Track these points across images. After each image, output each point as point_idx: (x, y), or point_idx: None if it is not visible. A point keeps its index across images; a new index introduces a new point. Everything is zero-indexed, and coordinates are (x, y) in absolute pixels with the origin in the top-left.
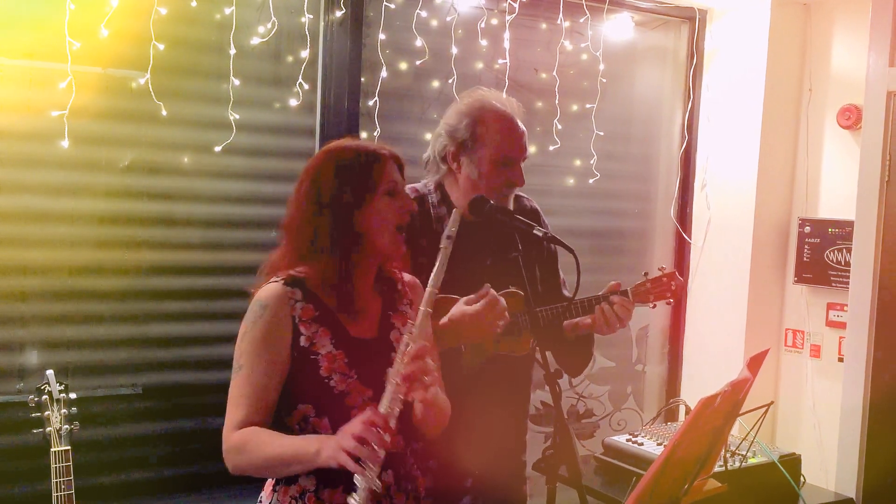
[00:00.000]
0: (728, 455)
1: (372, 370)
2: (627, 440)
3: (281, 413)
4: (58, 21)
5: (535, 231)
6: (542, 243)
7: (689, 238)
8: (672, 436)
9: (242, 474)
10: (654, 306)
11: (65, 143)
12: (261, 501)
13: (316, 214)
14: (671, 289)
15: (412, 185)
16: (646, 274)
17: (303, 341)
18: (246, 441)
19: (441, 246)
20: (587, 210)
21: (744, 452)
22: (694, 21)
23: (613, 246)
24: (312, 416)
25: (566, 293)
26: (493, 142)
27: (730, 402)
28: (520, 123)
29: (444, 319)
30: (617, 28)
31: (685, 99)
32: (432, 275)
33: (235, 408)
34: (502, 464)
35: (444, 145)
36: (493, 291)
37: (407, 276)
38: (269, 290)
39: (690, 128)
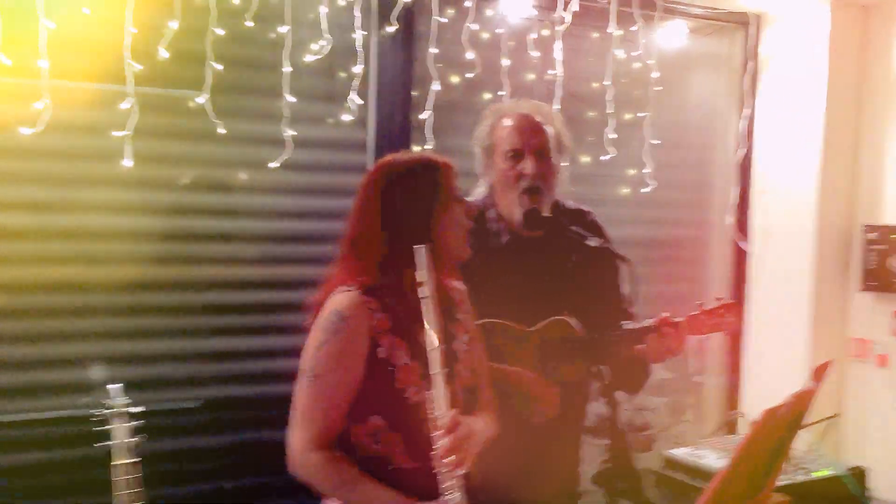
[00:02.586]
0: (792, 468)
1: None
2: (688, 453)
3: (351, 422)
4: (118, 44)
5: (588, 241)
6: (603, 258)
7: (747, 246)
8: (735, 448)
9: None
10: (709, 338)
11: (126, 163)
12: None
13: (386, 226)
14: (725, 321)
15: (469, 200)
16: (700, 304)
17: (380, 353)
18: (328, 472)
19: (421, 297)
20: (642, 219)
21: (808, 465)
22: (748, 26)
23: (669, 255)
24: (385, 430)
25: (630, 310)
26: (501, 138)
27: (794, 414)
28: (534, 118)
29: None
30: (670, 35)
31: (741, 105)
32: (428, 336)
33: (309, 422)
34: (556, 477)
35: (480, 160)
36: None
37: (458, 284)
38: (346, 299)
39: (748, 135)
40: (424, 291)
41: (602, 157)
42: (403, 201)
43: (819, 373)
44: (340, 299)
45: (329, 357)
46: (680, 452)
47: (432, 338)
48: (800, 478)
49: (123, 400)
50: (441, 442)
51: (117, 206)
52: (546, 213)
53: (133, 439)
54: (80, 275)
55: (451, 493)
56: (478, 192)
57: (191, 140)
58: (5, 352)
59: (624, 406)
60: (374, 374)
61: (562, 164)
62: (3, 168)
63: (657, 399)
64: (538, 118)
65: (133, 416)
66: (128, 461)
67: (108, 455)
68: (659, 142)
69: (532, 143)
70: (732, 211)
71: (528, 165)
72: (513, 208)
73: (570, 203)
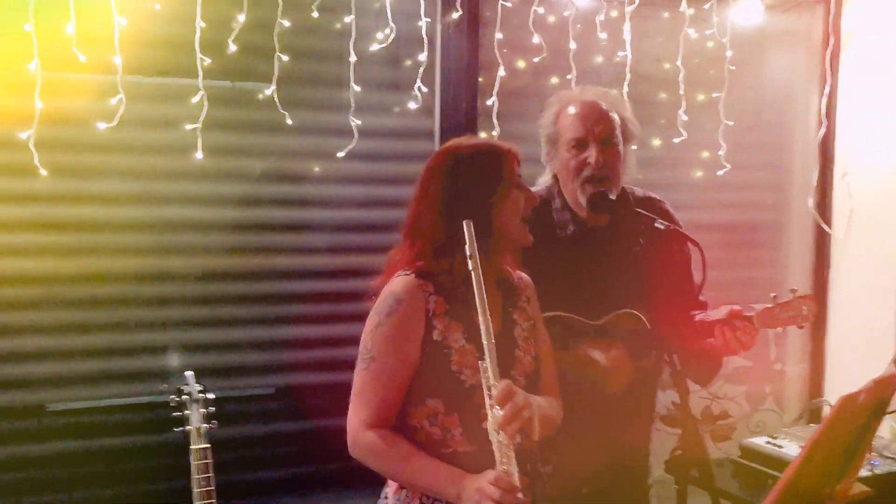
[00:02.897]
0: (876, 458)
1: (498, 365)
2: (767, 442)
3: (407, 405)
4: (189, 39)
5: (657, 224)
6: (672, 242)
7: (830, 229)
8: (811, 436)
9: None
10: (783, 330)
11: (198, 155)
12: (385, 497)
13: (447, 211)
14: (802, 314)
15: (535, 189)
16: (774, 297)
17: (436, 335)
18: (382, 449)
19: (470, 269)
20: (717, 203)
21: (893, 455)
22: (829, 1)
23: (747, 240)
24: (442, 413)
25: (701, 298)
26: (565, 126)
27: (875, 401)
28: (599, 105)
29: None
30: (745, 13)
31: (821, 83)
32: (479, 310)
33: (365, 403)
34: (626, 464)
35: (545, 149)
36: (623, 353)
37: (522, 275)
38: (402, 282)
39: (829, 113)
40: (472, 264)
41: (674, 140)
42: (463, 186)
43: None
44: (397, 283)
45: (385, 339)
46: (758, 441)
47: (482, 309)
48: (884, 468)
49: (198, 386)
50: (494, 412)
51: (191, 198)
52: (613, 197)
53: (207, 425)
54: (156, 265)
55: (504, 464)
56: (542, 182)
57: (260, 132)
58: (89, 340)
59: (700, 394)
60: (430, 357)
61: (629, 151)
62: (81, 162)
63: (736, 387)
64: (603, 105)
65: (208, 402)
66: (202, 446)
67: (184, 440)
68: (732, 123)
69: (596, 131)
70: (814, 193)
71: (592, 154)
72: (577, 197)
73: (639, 191)
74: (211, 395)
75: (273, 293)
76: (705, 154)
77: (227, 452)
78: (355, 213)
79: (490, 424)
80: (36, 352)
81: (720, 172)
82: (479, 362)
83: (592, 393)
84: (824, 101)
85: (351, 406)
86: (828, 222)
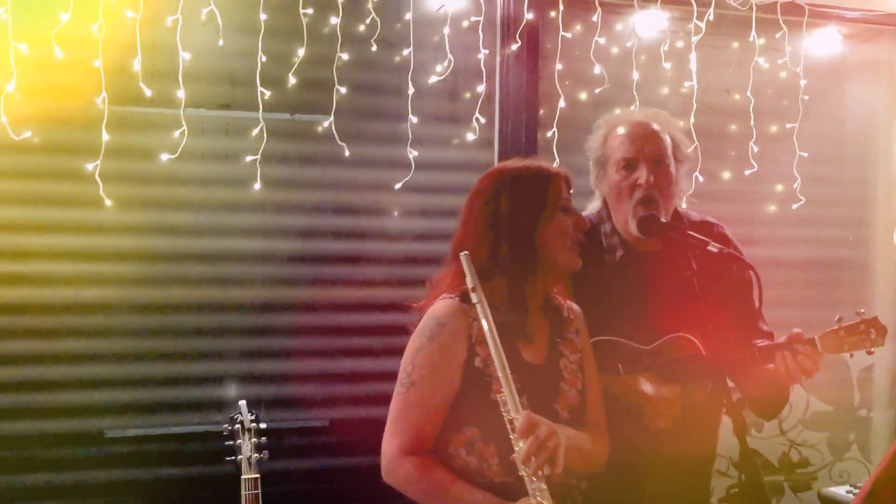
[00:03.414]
0: None
1: (541, 397)
2: (847, 491)
3: (445, 432)
4: (250, 72)
5: (709, 247)
6: (728, 268)
7: None
8: (873, 471)
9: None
10: (852, 356)
11: (257, 186)
12: None
13: (492, 234)
14: (870, 337)
15: (586, 215)
16: (839, 319)
17: (477, 362)
18: (417, 478)
19: (474, 303)
20: (794, 239)
21: None
22: None
23: (828, 278)
24: (479, 442)
25: (765, 328)
26: (614, 147)
27: None
28: (649, 125)
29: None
30: (821, 42)
31: None
32: (489, 341)
33: (404, 427)
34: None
35: (593, 172)
36: (676, 391)
37: (573, 306)
38: (445, 306)
39: None
40: (475, 297)
41: (746, 172)
42: (508, 209)
43: None
44: (440, 306)
45: (425, 363)
46: (839, 490)
47: (493, 341)
48: None
49: (250, 416)
50: (519, 445)
51: (250, 230)
52: (664, 220)
53: (258, 454)
54: (216, 296)
55: (538, 496)
56: (592, 207)
57: (318, 163)
58: (148, 369)
59: (778, 440)
60: (470, 384)
61: (682, 173)
62: (145, 194)
63: (817, 434)
64: (654, 125)
65: (260, 433)
66: (253, 476)
67: (236, 471)
68: (807, 154)
69: (647, 151)
70: None
71: (642, 175)
72: (627, 221)
73: (695, 214)
74: (263, 425)
75: (329, 325)
76: (780, 187)
77: (280, 485)
78: (412, 246)
79: (517, 457)
80: (96, 379)
81: (795, 206)
82: (498, 396)
83: (638, 426)
84: None
85: (386, 431)
86: None
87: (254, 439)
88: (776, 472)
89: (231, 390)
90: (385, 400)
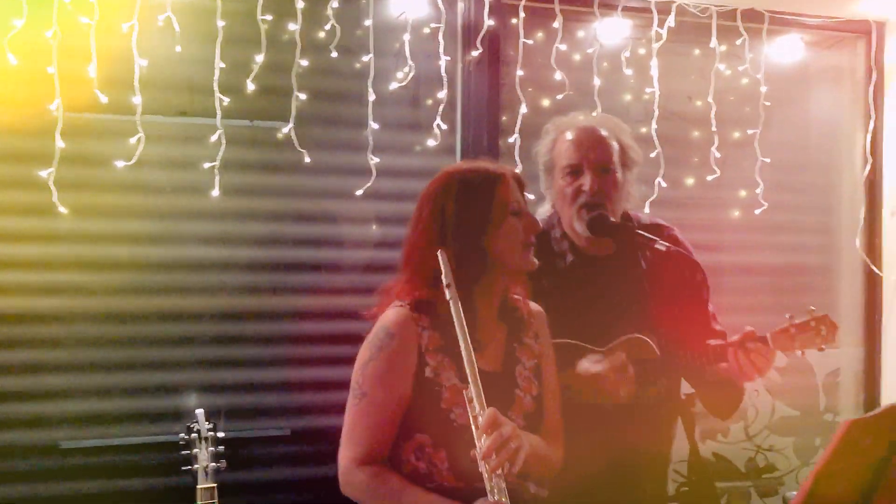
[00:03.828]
0: None
1: (495, 405)
2: None
3: (396, 438)
4: (208, 79)
5: (657, 245)
6: (683, 271)
7: (881, 271)
8: (815, 464)
9: None
10: (803, 354)
11: (215, 193)
12: None
13: (440, 238)
14: (821, 334)
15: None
16: (790, 317)
17: (428, 372)
18: (373, 486)
19: (448, 298)
20: (759, 245)
21: None
22: (870, 35)
23: (793, 284)
24: (429, 447)
25: (718, 327)
26: (560, 153)
27: (890, 432)
28: (596, 130)
29: (566, 374)
30: (783, 48)
31: (866, 120)
32: (460, 339)
33: (357, 438)
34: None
35: (543, 178)
36: (621, 355)
37: (533, 306)
38: (395, 315)
39: (874, 151)
40: (450, 294)
41: (708, 178)
42: (455, 212)
43: None
44: (390, 315)
45: (376, 374)
46: None
47: (463, 338)
48: None
49: (207, 424)
50: (482, 441)
51: (209, 238)
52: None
53: (216, 464)
54: (174, 305)
55: (496, 494)
56: (542, 212)
57: (278, 171)
58: (105, 379)
59: (744, 445)
60: (420, 393)
61: (629, 178)
62: (100, 202)
63: (783, 439)
64: (601, 131)
65: (217, 441)
66: (209, 485)
67: (194, 481)
68: (769, 160)
69: (592, 157)
70: (861, 234)
71: (586, 182)
72: (574, 226)
73: (646, 217)
74: (221, 434)
75: (291, 334)
76: (743, 193)
77: (239, 496)
78: (374, 253)
79: (478, 454)
80: (51, 390)
81: (758, 211)
82: (464, 391)
83: (596, 409)
84: (869, 137)
85: (342, 443)
86: (878, 264)
87: (211, 448)
88: (743, 478)
89: (190, 400)
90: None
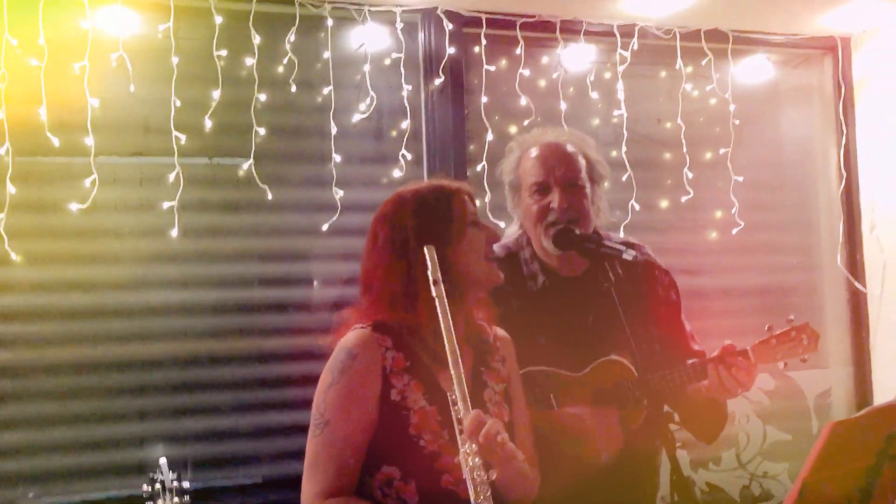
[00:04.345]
0: None
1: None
2: None
3: (363, 472)
4: (164, 117)
5: (624, 256)
6: (656, 288)
7: (864, 287)
8: (801, 472)
9: None
10: (786, 366)
11: (175, 234)
12: None
13: (401, 259)
14: (803, 344)
15: (503, 242)
16: (769, 328)
17: (394, 395)
18: None
19: (434, 295)
20: (738, 267)
21: None
22: (836, 51)
23: (776, 305)
24: (397, 480)
25: (696, 347)
26: (526, 170)
27: (877, 435)
28: (562, 146)
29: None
30: (749, 68)
31: (838, 135)
32: (445, 338)
33: (322, 471)
34: None
35: (509, 197)
36: (613, 414)
37: (499, 331)
38: (357, 336)
39: (848, 166)
40: (436, 291)
41: (682, 199)
42: (415, 232)
43: None
44: (351, 336)
45: (338, 399)
46: None
47: (449, 338)
48: None
49: (171, 475)
50: (466, 446)
51: (170, 281)
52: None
53: None
54: (136, 352)
55: (481, 501)
56: (510, 233)
57: (240, 208)
58: (66, 433)
59: (737, 473)
60: (387, 419)
61: (599, 193)
62: (55, 248)
63: (777, 465)
64: (568, 146)
65: (183, 492)
66: None
67: None
68: (742, 178)
69: (558, 174)
70: (841, 250)
71: (555, 199)
72: (542, 245)
73: (616, 236)
74: (186, 484)
75: (260, 377)
76: (718, 214)
77: None
78: (343, 290)
79: (462, 461)
80: (9, 447)
81: (735, 231)
82: (448, 394)
83: (577, 462)
84: (842, 153)
85: (304, 478)
86: (861, 280)
87: (176, 499)
88: None
89: (155, 451)
90: None
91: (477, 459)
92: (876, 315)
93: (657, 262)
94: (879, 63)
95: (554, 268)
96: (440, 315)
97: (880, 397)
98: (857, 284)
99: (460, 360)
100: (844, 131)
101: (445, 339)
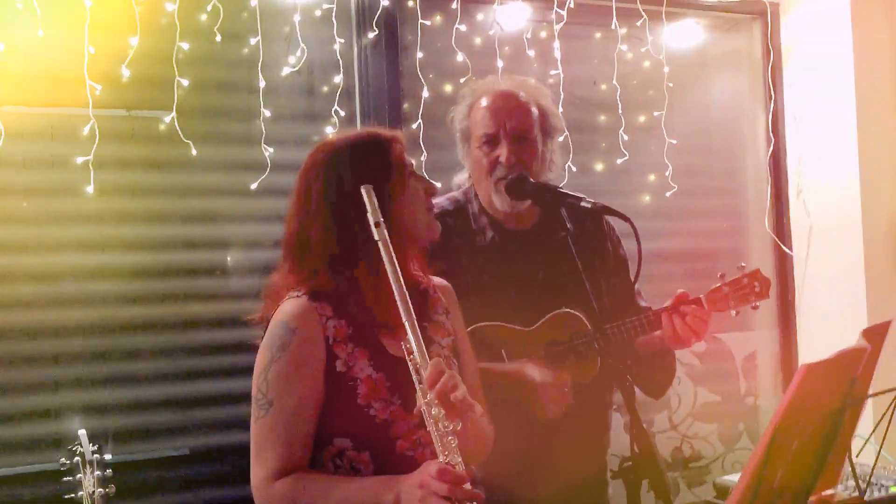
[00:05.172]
0: (864, 483)
1: (414, 391)
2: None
3: (314, 448)
4: (77, 65)
5: (583, 203)
6: (608, 248)
7: (791, 250)
8: (771, 418)
9: None
10: (738, 313)
11: (90, 190)
12: None
13: (336, 215)
14: (755, 290)
15: (451, 194)
16: (722, 276)
17: (339, 366)
18: (296, 492)
19: (377, 239)
20: (672, 231)
21: (884, 480)
22: (766, 16)
23: (707, 268)
24: (350, 450)
25: (643, 303)
26: (476, 121)
27: (844, 379)
28: (515, 96)
29: (499, 368)
30: (684, 33)
31: (766, 101)
32: (393, 284)
33: (269, 452)
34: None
35: (460, 146)
36: (566, 377)
37: (438, 280)
38: (293, 307)
39: (776, 131)
40: (378, 234)
41: (617, 161)
42: (349, 184)
43: (874, 335)
44: (287, 308)
45: (281, 377)
46: (733, 479)
47: (397, 283)
48: (874, 494)
49: (91, 447)
50: (427, 397)
51: (85, 243)
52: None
53: (103, 489)
54: (49, 319)
55: (447, 455)
56: (458, 181)
57: (161, 164)
58: None
59: (669, 434)
60: (334, 391)
61: (551, 147)
62: None
63: (707, 425)
64: (521, 96)
65: (104, 465)
66: None
67: None
68: (676, 141)
69: (509, 126)
70: (769, 214)
71: (503, 152)
72: (492, 199)
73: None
74: (108, 457)
75: (186, 344)
76: (652, 177)
77: None
78: (273, 254)
79: (424, 411)
80: None
81: (668, 194)
82: (402, 343)
83: (528, 420)
84: (770, 118)
85: (252, 462)
86: (787, 243)
87: (97, 472)
88: (670, 469)
89: (72, 423)
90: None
91: (442, 411)
92: (801, 278)
93: (607, 206)
94: (807, 29)
95: (502, 222)
96: (385, 260)
97: (805, 358)
98: (784, 247)
99: (411, 306)
100: (773, 96)
101: (393, 283)
